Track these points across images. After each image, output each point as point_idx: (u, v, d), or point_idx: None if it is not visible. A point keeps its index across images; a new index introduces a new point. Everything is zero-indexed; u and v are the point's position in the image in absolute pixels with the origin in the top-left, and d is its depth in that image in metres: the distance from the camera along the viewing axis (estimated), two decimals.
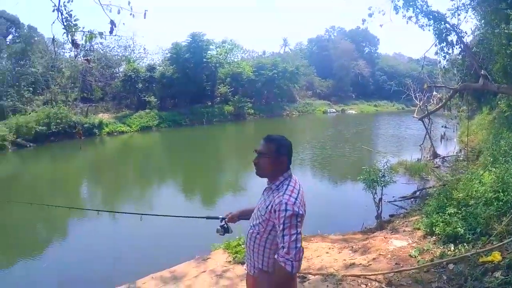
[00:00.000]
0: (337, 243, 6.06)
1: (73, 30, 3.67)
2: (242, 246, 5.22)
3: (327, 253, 5.47)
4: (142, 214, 3.73)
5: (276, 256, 1.99)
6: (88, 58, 27.76)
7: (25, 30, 32.42)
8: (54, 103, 29.41)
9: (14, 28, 33.15)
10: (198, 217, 3.13)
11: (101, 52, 33.60)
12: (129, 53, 36.24)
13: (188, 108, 36.00)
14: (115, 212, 6.14)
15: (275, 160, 2.14)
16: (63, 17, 3.53)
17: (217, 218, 2.81)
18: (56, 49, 29.94)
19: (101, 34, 3.78)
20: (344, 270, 4.62)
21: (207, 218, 2.97)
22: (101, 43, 32.90)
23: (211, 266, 5.23)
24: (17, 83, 29.00)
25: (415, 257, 4.62)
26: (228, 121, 37.71)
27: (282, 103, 45.24)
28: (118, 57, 35.28)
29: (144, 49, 37.40)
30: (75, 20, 3.58)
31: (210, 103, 38.47)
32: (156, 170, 18.69)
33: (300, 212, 1.99)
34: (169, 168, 19.63)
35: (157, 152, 25.35)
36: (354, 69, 54.41)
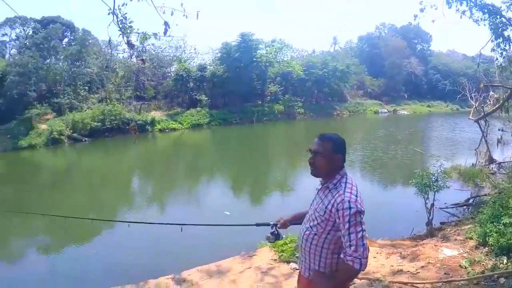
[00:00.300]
0: (385, 248, 5.89)
1: (128, 31, 3.79)
2: (289, 245, 5.26)
3: (374, 257, 5.29)
4: (184, 224, 3.41)
5: (342, 255, 1.98)
6: (143, 58, 29.27)
7: (80, 34, 33.71)
8: (108, 101, 31.05)
9: (69, 32, 34.72)
10: (247, 225, 2.95)
11: (153, 52, 34.94)
12: (180, 53, 37.30)
13: (238, 107, 35.92)
14: (153, 223, 5.95)
15: (331, 159, 2.12)
16: (118, 19, 3.66)
17: (267, 224, 2.67)
18: (110, 50, 30.91)
19: (155, 35, 3.86)
20: (391, 276, 4.55)
21: (257, 225, 2.79)
22: (153, 44, 34.35)
23: (257, 263, 5.25)
24: (73, 82, 30.68)
25: (466, 268, 4.45)
26: (278, 120, 37.07)
27: (333, 102, 43.66)
28: (170, 57, 36.42)
29: (195, 49, 38.39)
30: (130, 22, 3.69)
31: (260, 102, 37.96)
32: (205, 167, 18.80)
33: (362, 208, 1.98)
34: (218, 165, 19.58)
35: (207, 149, 25.52)
36: (406, 68, 51.54)
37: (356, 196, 2.02)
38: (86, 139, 27.85)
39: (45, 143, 26.84)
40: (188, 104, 33.78)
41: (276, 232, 2.60)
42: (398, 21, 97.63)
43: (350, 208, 1.94)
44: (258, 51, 37.55)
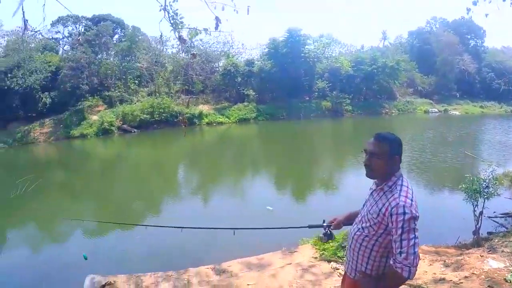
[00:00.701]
0: (429, 255, 5.67)
1: (180, 27, 3.92)
2: (331, 244, 5.10)
3: None
4: (235, 228, 3.38)
5: (391, 261, 1.95)
6: (194, 53, 29.31)
7: (130, 30, 34.32)
8: (157, 94, 31.85)
9: (119, 29, 35.60)
10: (300, 227, 2.91)
11: (201, 48, 35.27)
12: (228, 48, 37.30)
13: (285, 102, 35.24)
14: (205, 228, 5.45)
15: (389, 161, 2.07)
16: (170, 15, 3.79)
17: (320, 226, 2.66)
18: (162, 45, 31.45)
19: (206, 30, 3.91)
20: (433, 284, 4.43)
21: (310, 227, 2.81)
22: (201, 40, 34.98)
23: (297, 259, 5.18)
24: (124, 76, 31.92)
25: (510, 282, 4.19)
26: (326, 117, 35.89)
27: (381, 100, 41.70)
28: (218, 52, 36.61)
29: (243, 44, 38.47)
30: (180, 18, 3.78)
31: (307, 98, 36.97)
32: (251, 161, 18.66)
33: (417, 214, 1.93)
34: (264, 160, 19.36)
35: (253, 144, 25.37)
36: (459, 65, 48.42)
37: (412, 200, 1.98)
38: (135, 130, 28.96)
39: (96, 133, 28.42)
40: (235, 99, 33.77)
41: (329, 232, 2.58)
42: (449, 15, 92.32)
43: (404, 213, 1.90)
44: (306, 46, 36.73)
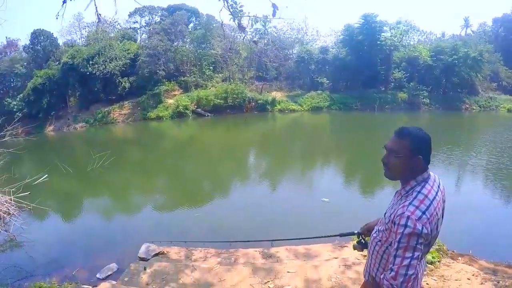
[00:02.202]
0: (484, 272, 4.81)
1: (239, 15, 3.90)
2: None
3: (468, 279, 4.44)
4: (273, 240, 3.83)
5: (382, 276, 1.73)
6: (255, 40, 29.37)
7: (204, 19, 34.54)
8: (231, 80, 32.21)
9: (194, 18, 36.02)
10: (330, 236, 2.86)
11: (275, 35, 34.84)
12: (302, 35, 36.71)
13: (360, 92, 33.74)
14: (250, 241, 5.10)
15: (408, 161, 1.76)
16: (229, 4, 3.79)
17: (352, 234, 2.45)
18: (232, 33, 31.43)
19: (265, 18, 3.85)
20: None
21: (341, 235, 2.62)
22: (274, 27, 34.25)
23: (345, 254, 5.01)
24: (199, 63, 32.94)
25: None
26: (401, 109, 33.70)
27: (462, 94, 38.37)
28: (292, 39, 36.12)
29: (317, 31, 37.23)
30: (240, 7, 3.76)
31: (383, 89, 35.00)
32: (320, 151, 17.84)
33: (424, 231, 1.62)
34: (333, 150, 18.33)
35: (324, 133, 24.40)
36: None
37: (424, 212, 1.65)
38: (209, 114, 29.84)
39: (171, 116, 29.80)
40: (309, 86, 33.11)
41: (363, 241, 2.29)
42: None
43: (405, 226, 1.63)
44: (382, 33, 34.81)
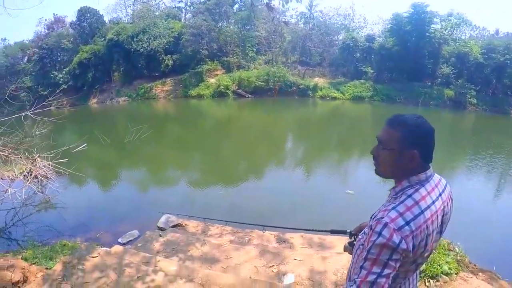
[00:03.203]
0: None
1: None
2: None
3: None
4: (265, 226, 3.61)
5: (346, 284, 1.53)
6: (286, 21, 29.11)
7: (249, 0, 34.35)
8: (274, 63, 32.08)
9: None
10: (321, 231, 2.62)
11: (321, 19, 33.94)
12: (348, 22, 35.86)
13: (404, 85, 32.31)
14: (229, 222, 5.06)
15: (398, 156, 1.41)
16: None
17: (344, 232, 2.19)
18: (277, 15, 31.09)
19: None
20: None
21: (332, 232, 2.36)
22: (320, 11, 33.44)
23: None
24: (242, 44, 32.90)
25: None
26: (446, 107, 32.06)
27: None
28: (338, 25, 35.29)
29: (364, 18, 36.61)
30: None
31: (429, 83, 33.49)
32: (357, 142, 16.99)
33: (403, 246, 1.29)
34: (371, 144, 16.73)
35: (364, 124, 23.18)
36: None
37: (407, 223, 1.31)
38: (249, 95, 29.77)
39: (212, 95, 30.08)
40: (352, 75, 32.05)
41: (355, 242, 1.89)
42: None
43: (379, 234, 1.29)
44: (432, 25, 33.09)
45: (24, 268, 3.98)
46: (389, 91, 31.35)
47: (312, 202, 8.22)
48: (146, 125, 14.40)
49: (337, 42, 34.29)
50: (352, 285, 1.31)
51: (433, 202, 1.41)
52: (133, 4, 38.73)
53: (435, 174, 1.50)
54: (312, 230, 2.70)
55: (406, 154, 1.39)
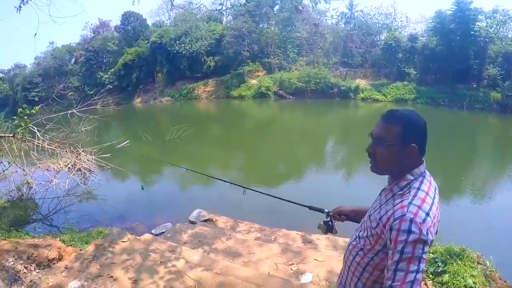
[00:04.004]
0: None
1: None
2: (433, 254, 4.22)
3: None
4: (246, 188, 3.21)
5: (344, 279, 1.59)
6: (317, 23, 28.78)
7: (289, 1, 34.53)
8: (315, 64, 32.02)
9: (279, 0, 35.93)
10: (300, 204, 2.43)
11: (362, 19, 33.48)
12: (390, 21, 35.06)
13: (449, 87, 31.17)
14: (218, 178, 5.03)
15: (400, 151, 1.42)
16: None
17: (321, 211, 2.14)
18: (318, 16, 31.11)
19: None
20: None
21: (310, 208, 2.27)
22: (361, 11, 32.95)
23: None
24: (283, 45, 33.09)
25: None
26: (493, 110, 30.41)
27: None
28: (379, 25, 34.52)
29: (406, 17, 35.83)
30: None
31: (474, 85, 32.21)
32: None
33: (430, 237, 1.30)
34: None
35: None
36: None
37: (428, 214, 1.32)
38: (290, 97, 29.79)
39: (253, 96, 30.51)
40: (395, 76, 31.20)
41: (330, 223, 2.06)
42: None
43: (409, 232, 1.28)
44: (477, 23, 31.39)
45: (60, 248, 4.36)
46: (433, 93, 30.30)
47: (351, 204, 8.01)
48: (186, 124, 14.88)
49: (379, 43, 33.53)
50: None
51: (435, 190, 1.46)
52: (172, 9, 39.97)
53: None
54: (292, 202, 2.56)
55: (407, 149, 1.42)
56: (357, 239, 1.59)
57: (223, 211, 6.56)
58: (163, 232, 5.64)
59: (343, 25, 33.36)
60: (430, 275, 3.72)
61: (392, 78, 31.11)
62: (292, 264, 4.10)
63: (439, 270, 3.69)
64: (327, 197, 8.13)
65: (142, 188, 8.63)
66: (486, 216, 7.41)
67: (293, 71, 30.84)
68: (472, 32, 30.74)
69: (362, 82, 30.67)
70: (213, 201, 8.01)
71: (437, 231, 1.40)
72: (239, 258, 4.27)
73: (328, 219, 2.06)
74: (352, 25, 32.63)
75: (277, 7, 34.97)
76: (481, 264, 4.11)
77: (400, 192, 1.43)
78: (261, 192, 3.14)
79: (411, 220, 1.29)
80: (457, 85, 31.28)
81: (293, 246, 4.69)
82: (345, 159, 13.94)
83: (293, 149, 14.83)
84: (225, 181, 4.28)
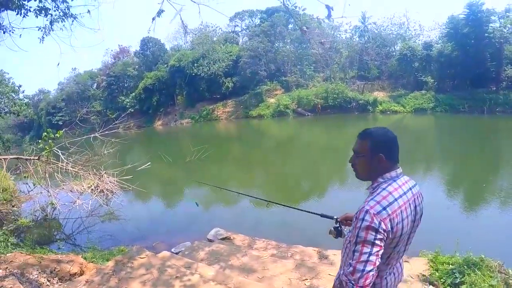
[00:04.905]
0: None
1: (299, 20, 9.06)
2: (451, 265, 4.13)
3: None
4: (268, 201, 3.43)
5: (341, 272, 1.69)
6: (323, 41, 29.01)
7: (302, 19, 35.07)
8: (332, 80, 32.22)
9: (292, 19, 36.45)
10: (312, 213, 2.67)
11: (375, 31, 33.53)
12: (404, 31, 34.73)
13: (467, 92, 30.80)
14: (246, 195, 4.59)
15: (369, 160, 1.74)
16: (290, 8, 10.03)
17: (331, 218, 2.36)
18: (332, 32, 31.37)
19: (328, 17, 3.64)
20: None
21: (321, 215, 2.49)
22: (374, 23, 33.17)
23: (405, 268, 3.36)
24: (300, 63, 33.34)
25: None
26: None
27: None
28: (393, 35, 34.38)
29: (420, 25, 35.45)
30: (303, 10, 5.23)
31: (494, 88, 31.77)
32: (422, 159, 15.32)
33: (383, 226, 1.54)
34: (434, 160, 15.09)
35: (426, 139, 21.63)
36: None
37: (384, 208, 1.57)
38: (309, 114, 30.06)
39: (272, 114, 30.94)
40: (412, 86, 31.11)
41: (339, 228, 2.23)
42: None
43: (363, 220, 1.55)
44: (490, 24, 30.61)
45: (82, 264, 4.61)
46: (452, 100, 29.97)
47: None
48: (207, 145, 15.10)
49: (394, 53, 33.51)
50: (348, 268, 1.55)
51: (405, 193, 1.69)
52: (187, 34, 41.07)
53: (405, 175, 1.80)
54: (304, 211, 2.84)
55: (375, 158, 1.72)
56: (349, 232, 1.86)
57: (241, 228, 6.75)
58: (182, 251, 5.73)
59: (357, 39, 33.48)
60: (448, 287, 3.79)
61: (410, 88, 31.05)
62: (306, 279, 4.18)
63: (456, 282, 3.73)
64: (346, 209, 7.99)
65: (197, 205, 8.62)
66: (509, 224, 7.23)
67: (310, 88, 31.19)
68: (486, 34, 30.11)
69: (380, 95, 30.67)
70: (231, 219, 8.18)
71: (404, 226, 1.64)
72: (253, 274, 4.36)
73: (337, 224, 2.27)
74: (366, 38, 32.66)
75: (290, 25, 35.57)
76: (502, 273, 4.11)
77: (371, 191, 1.71)
78: (280, 204, 3.33)
79: (366, 211, 1.56)
80: (476, 90, 30.87)
81: (308, 262, 4.73)
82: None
83: (314, 165, 14.80)
84: (251, 196, 4.68)
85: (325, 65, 33.16)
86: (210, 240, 6.13)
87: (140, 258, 4.54)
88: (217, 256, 5.03)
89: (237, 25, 40.81)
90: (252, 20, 39.38)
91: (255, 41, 33.14)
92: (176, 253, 5.46)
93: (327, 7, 3.51)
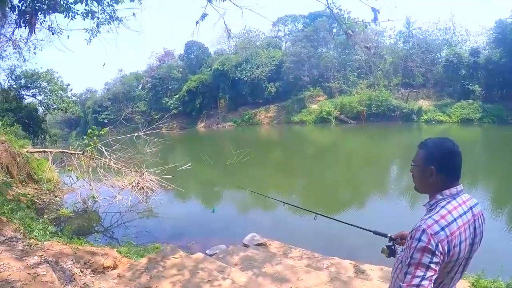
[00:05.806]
0: None
1: (345, 23, 4.47)
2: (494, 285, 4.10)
3: None
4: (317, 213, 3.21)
5: None
6: (368, 45, 28.18)
7: (346, 23, 35.11)
8: (376, 86, 31.69)
9: (336, 23, 36.43)
10: (364, 229, 2.54)
11: (420, 37, 32.61)
12: (449, 36, 33.40)
13: None
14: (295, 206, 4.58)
15: (421, 171, 1.62)
16: (334, 12, 4.19)
17: (385, 235, 2.16)
18: (376, 37, 31.05)
19: (375, 20, 3.74)
20: None
21: (374, 232, 2.33)
22: (419, 28, 32.79)
23: None
24: (343, 69, 33.26)
25: None
26: None
27: None
28: (439, 41, 33.05)
29: (466, 30, 33.52)
30: (348, 13, 7.84)
31: None
32: (465, 174, 12.95)
33: (440, 249, 1.41)
34: (478, 174, 14.18)
35: (472, 152, 19.54)
36: None
37: (443, 228, 1.43)
38: (352, 121, 29.74)
39: (314, 121, 31.04)
40: (459, 95, 29.81)
41: (393, 247, 2.06)
42: None
43: (419, 240, 1.42)
44: None
45: (116, 258, 4.64)
46: (500, 111, 28.30)
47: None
48: (247, 149, 15.31)
49: (439, 60, 32.26)
50: None
51: (465, 213, 1.53)
52: (230, 38, 42.02)
53: (465, 193, 1.62)
54: (356, 226, 2.69)
55: (426, 170, 1.59)
56: (401, 251, 1.72)
57: (277, 235, 6.73)
58: (217, 253, 5.68)
59: (401, 45, 32.69)
60: None
61: (456, 97, 29.87)
62: None
63: None
64: (391, 221, 7.89)
65: (213, 211, 8.86)
66: None
67: (353, 95, 30.91)
68: None
69: (425, 103, 29.80)
70: (268, 225, 8.11)
71: (461, 250, 1.49)
72: (286, 283, 4.26)
73: (391, 243, 2.13)
74: (411, 44, 31.78)
75: (334, 30, 35.45)
76: None
77: (430, 209, 1.57)
78: (331, 218, 3.19)
79: (423, 231, 1.42)
80: None
81: (343, 275, 4.56)
82: (410, 184, 13.27)
83: (356, 175, 14.53)
84: (297, 207, 4.41)
85: (369, 71, 32.75)
86: (246, 245, 6.12)
87: (174, 257, 4.56)
88: (251, 262, 4.98)
89: (280, 30, 41.37)
90: (295, 25, 39.77)
91: (298, 46, 33.44)
92: (210, 255, 5.49)
93: (373, 10, 3.50)
